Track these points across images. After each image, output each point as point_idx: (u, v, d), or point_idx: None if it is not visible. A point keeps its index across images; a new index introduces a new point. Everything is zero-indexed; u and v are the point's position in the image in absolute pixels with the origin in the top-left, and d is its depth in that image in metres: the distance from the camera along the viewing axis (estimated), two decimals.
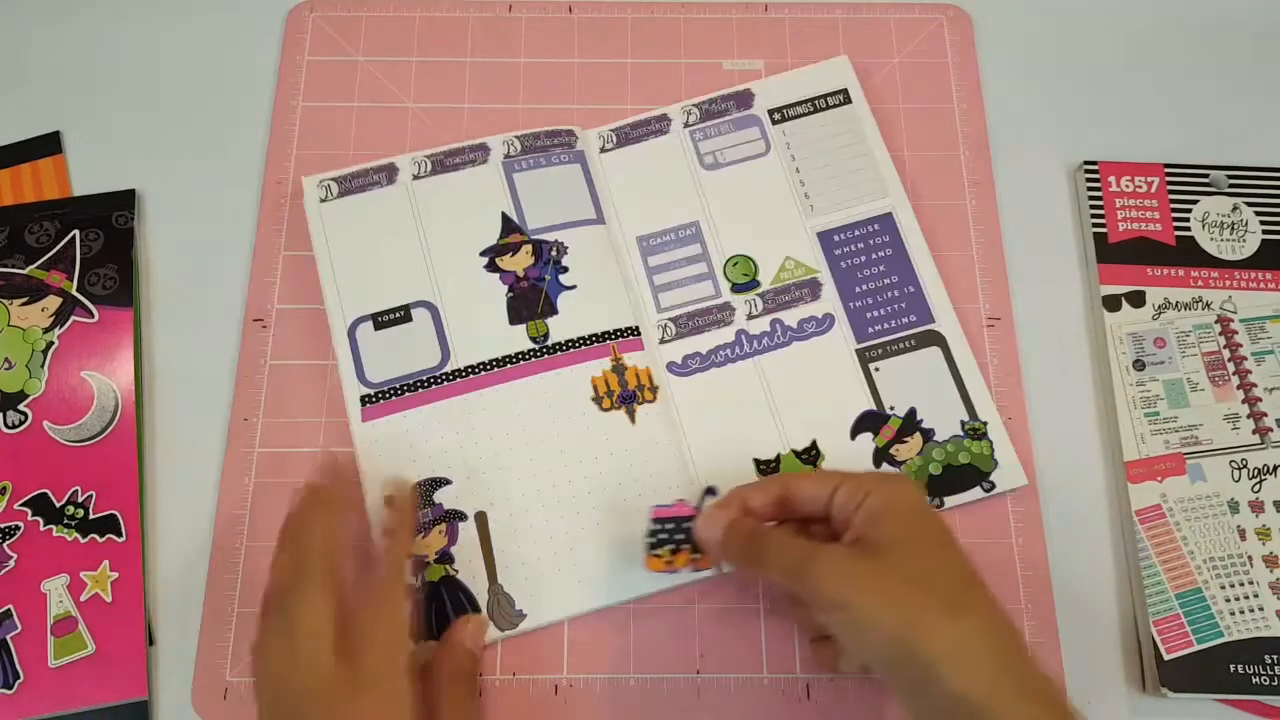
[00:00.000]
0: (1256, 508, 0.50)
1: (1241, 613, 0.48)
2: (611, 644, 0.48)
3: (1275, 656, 0.47)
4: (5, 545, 0.49)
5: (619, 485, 0.49)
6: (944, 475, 0.50)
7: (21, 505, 0.50)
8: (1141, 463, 0.51)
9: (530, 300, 0.53)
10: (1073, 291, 0.55)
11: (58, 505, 0.50)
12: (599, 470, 0.50)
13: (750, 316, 0.53)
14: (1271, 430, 0.51)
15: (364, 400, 0.51)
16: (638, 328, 0.53)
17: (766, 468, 0.50)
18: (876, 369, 0.52)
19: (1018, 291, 0.55)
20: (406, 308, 0.53)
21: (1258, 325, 0.53)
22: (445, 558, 0.49)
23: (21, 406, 0.51)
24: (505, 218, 0.54)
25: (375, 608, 0.42)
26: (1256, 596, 0.48)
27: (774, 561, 0.43)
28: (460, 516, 0.49)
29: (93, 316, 0.53)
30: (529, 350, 0.52)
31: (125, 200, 0.56)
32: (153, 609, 0.49)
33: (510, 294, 0.53)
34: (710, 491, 0.47)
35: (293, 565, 0.41)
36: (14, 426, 0.51)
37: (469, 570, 0.49)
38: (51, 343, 0.53)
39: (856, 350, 0.53)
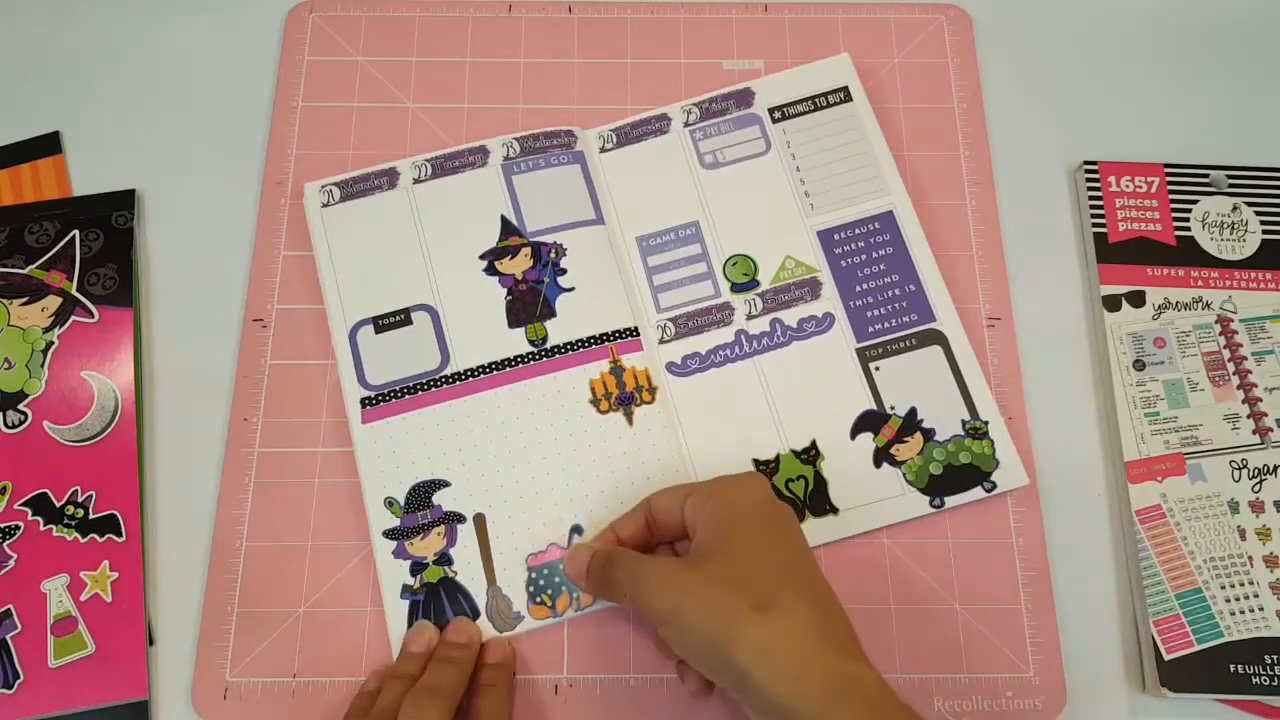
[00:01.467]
0: (1256, 508, 0.50)
1: (1242, 613, 0.48)
2: (611, 644, 0.48)
3: (1275, 657, 0.47)
4: (5, 545, 0.49)
5: (616, 488, 0.49)
6: (945, 475, 0.50)
7: (21, 505, 0.50)
8: (1141, 463, 0.51)
9: (529, 303, 0.53)
10: (1073, 291, 0.55)
11: (58, 505, 0.50)
12: (597, 473, 0.50)
13: (750, 316, 0.53)
14: (1271, 430, 0.51)
15: (364, 402, 0.51)
16: (637, 328, 0.53)
17: (766, 468, 0.50)
18: (877, 368, 0.52)
19: (1018, 291, 0.55)
20: (407, 311, 0.53)
21: (1258, 325, 0.53)
22: (444, 559, 0.49)
23: (21, 406, 0.51)
24: (504, 220, 0.54)
25: None
26: (1256, 597, 0.48)
27: (616, 582, 0.43)
28: (459, 519, 0.49)
29: (93, 316, 0.53)
30: (527, 354, 0.52)
31: (125, 200, 0.56)
32: (153, 609, 0.49)
33: (509, 297, 0.53)
34: (576, 530, 0.48)
35: (416, 695, 0.42)
36: (14, 426, 0.51)
37: (468, 572, 0.49)
38: (51, 343, 0.53)
39: (857, 349, 0.53)
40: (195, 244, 0.56)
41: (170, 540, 0.50)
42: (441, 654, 0.46)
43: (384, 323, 0.52)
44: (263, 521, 0.50)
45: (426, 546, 0.49)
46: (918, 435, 0.51)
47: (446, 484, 0.50)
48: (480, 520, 0.49)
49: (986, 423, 0.51)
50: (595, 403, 0.51)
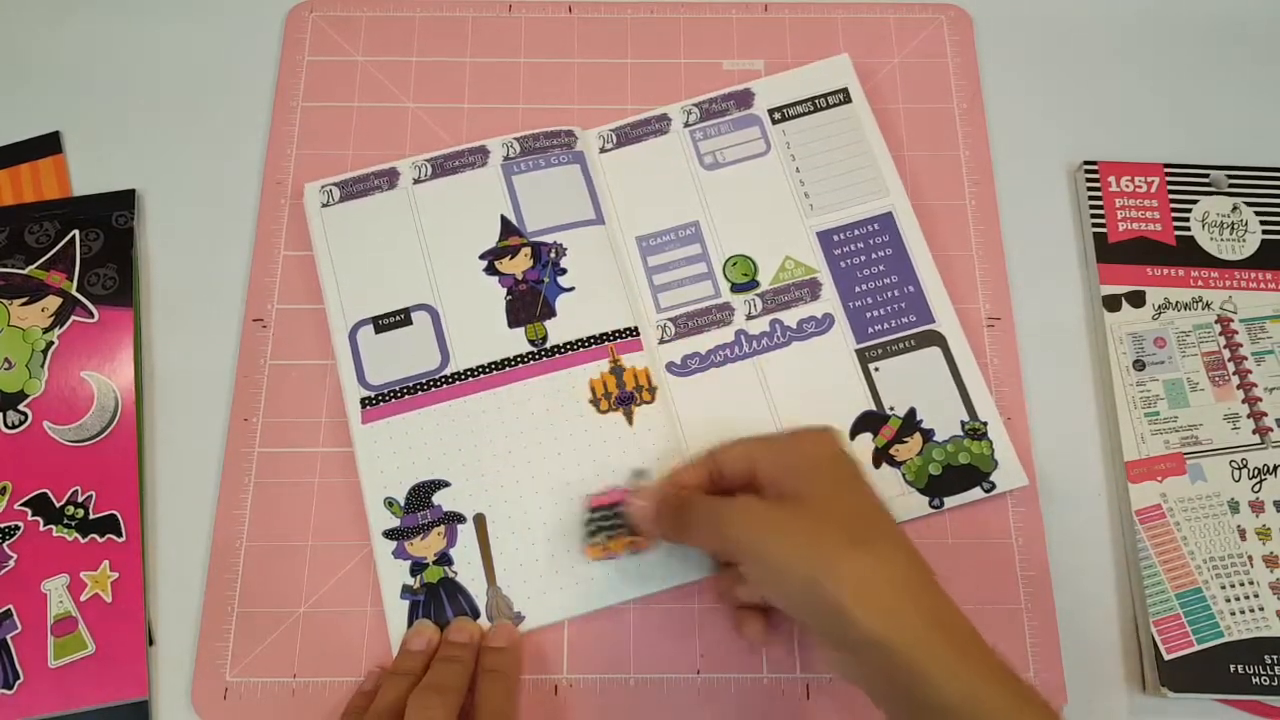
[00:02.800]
0: (1257, 508, 0.50)
1: (1242, 613, 0.48)
2: (611, 644, 0.48)
3: (1275, 657, 0.47)
4: (5, 545, 0.49)
5: (617, 487, 0.49)
6: (944, 475, 0.50)
7: (21, 505, 0.50)
8: (1142, 462, 0.51)
9: (529, 303, 0.53)
10: (1073, 291, 0.55)
11: (58, 505, 0.50)
12: (597, 473, 0.50)
13: (750, 316, 0.53)
14: (1271, 430, 0.51)
15: (364, 402, 0.51)
16: (637, 328, 0.53)
17: None
18: (876, 369, 0.52)
19: (1018, 291, 0.55)
20: (407, 311, 0.53)
21: (1258, 325, 0.53)
22: (444, 559, 0.49)
23: (21, 406, 0.51)
24: (504, 220, 0.54)
25: None
26: (1257, 596, 0.48)
27: (695, 523, 0.43)
28: (459, 519, 0.49)
29: (93, 316, 0.53)
30: (527, 354, 0.52)
31: (125, 200, 0.56)
32: (153, 609, 0.49)
33: (509, 297, 0.53)
34: (640, 474, 0.48)
35: (420, 695, 0.42)
36: (14, 426, 0.51)
37: (468, 572, 0.49)
38: (51, 343, 0.53)
39: (856, 350, 0.53)
40: (195, 244, 0.56)
41: (170, 540, 0.50)
42: (444, 653, 0.46)
43: (384, 323, 0.52)
44: (263, 521, 0.50)
45: (426, 547, 0.49)
46: (917, 436, 0.51)
47: (446, 484, 0.50)
48: (480, 520, 0.49)
49: (985, 423, 0.51)
50: (595, 402, 0.51)
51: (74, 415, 0.51)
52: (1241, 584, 0.48)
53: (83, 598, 0.48)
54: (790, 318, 0.53)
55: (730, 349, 0.53)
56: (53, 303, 0.53)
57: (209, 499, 0.51)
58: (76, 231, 0.55)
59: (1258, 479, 0.50)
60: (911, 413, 0.51)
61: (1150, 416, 0.51)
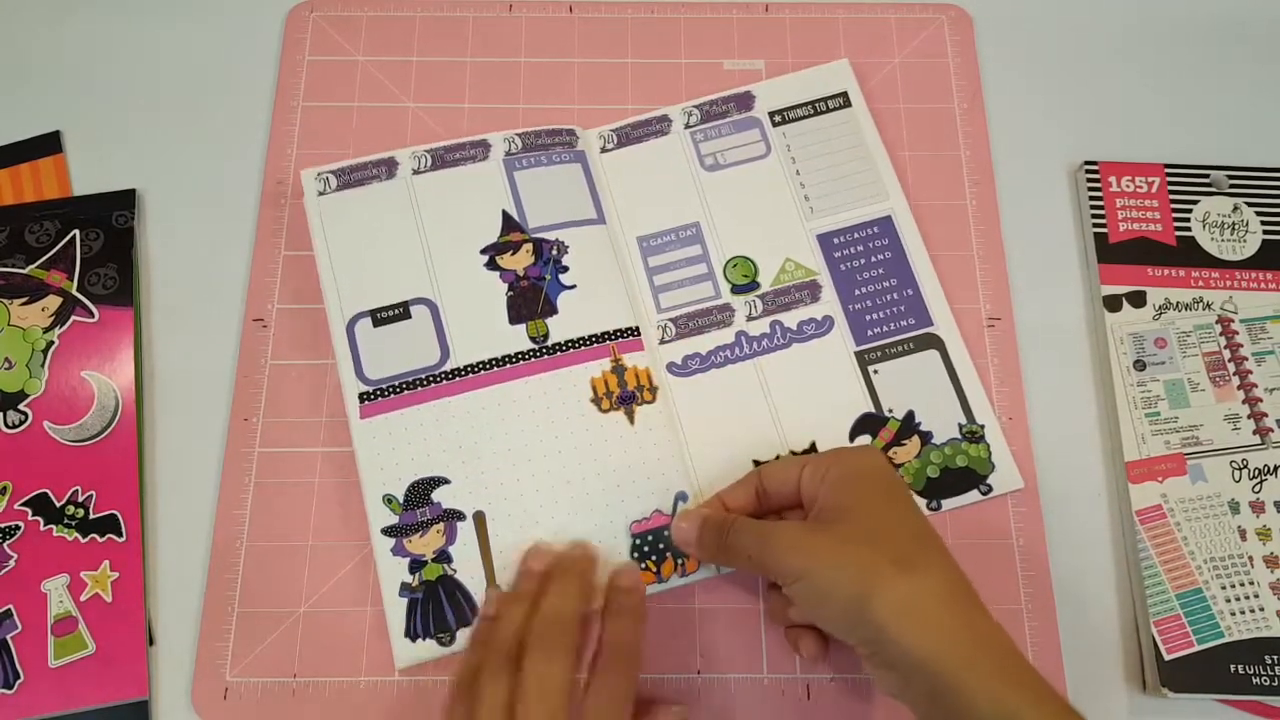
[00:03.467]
0: (1257, 508, 0.50)
1: (1242, 613, 0.48)
2: None
3: (1275, 657, 0.47)
4: (5, 545, 0.49)
5: (618, 486, 0.49)
6: (941, 478, 0.50)
7: (21, 505, 0.50)
8: (1142, 463, 0.51)
9: (530, 300, 0.53)
10: (1073, 291, 0.55)
11: (58, 505, 0.50)
12: (597, 471, 0.50)
13: (750, 318, 0.53)
14: (1272, 431, 0.51)
15: (362, 397, 0.51)
16: (638, 328, 0.53)
17: None
18: (875, 371, 0.52)
19: (1018, 291, 0.55)
20: (406, 304, 0.52)
21: (1258, 325, 0.53)
22: (443, 557, 0.49)
23: (21, 406, 0.51)
24: (506, 215, 0.54)
25: (608, 699, 0.41)
26: (1257, 597, 0.48)
27: (740, 547, 0.43)
28: (459, 516, 0.49)
29: (93, 316, 0.53)
30: (529, 350, 0.52)
31: (125, 200, 0.56)
32: (153, 609, 0.49)
33: (510, 293, 0.53)
34: (681, 497, 0.48)
35: (541, 628, 0.42)
36: (14, 426, 0.51)
37: (467, 570, 0.49)
38: (51, 342, 0.53)
39: (855, 352, 0.53)
40: (195, 244, 0.56)
41: (170, 540, 0.50)
42: (562, 579, 0.45)
43: (382, 316, 0.52)
44: (263, 521, 0.50)
45: (425, 544, 0.49)
46: (915, 438, 0.51)
47: (446, 481, 0.50)
48: (480, 518, 0.49)
49: (983, 426, 0.51)
50: (596, 401, 0.51)
51: (74, 415, 0.51)
52: (1242, 584, 0.48)
53: (83, 598, 0.48)
54: (790, 319, 0.53)
55: (731, 350, 0.53)
56: (53, 302, 0.53)
57: (209, 499, 0.51)
58: (77, 231, 0.55)
59: (1258, 479, 0.50)
60: (910, 415, 0.51)
61: (1151, 417, 0.51)
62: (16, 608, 0.48)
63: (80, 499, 0.50)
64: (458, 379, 0.51)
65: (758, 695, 0.48)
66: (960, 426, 0.51)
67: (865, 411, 0.52)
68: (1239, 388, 0.52)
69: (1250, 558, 0.49)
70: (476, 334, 0.52)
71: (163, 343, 0.54)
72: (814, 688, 0.48)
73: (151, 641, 0.48)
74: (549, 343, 0.52)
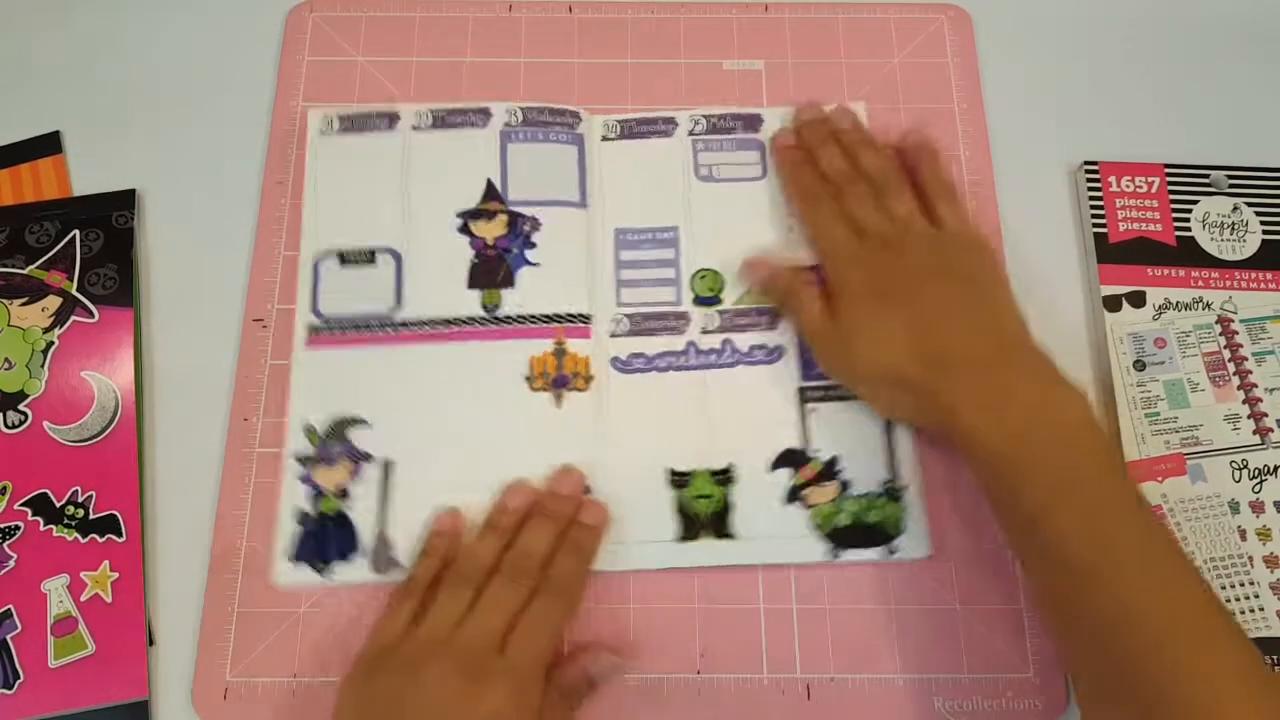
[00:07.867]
0: (1257, 508, 0.50)
1: (1242, 613, 0.48)
2: (612, 644, 0.48)
3: (1275, 657, 0.47)
4: (5, 545, 0.49)
5: (525, 467, 0.50)
6: (850, 528, 0.49)
7: (21, 505, 0.50)
8: (1142, 463, 0.51)
9: (492, 269, 0.53)
10: (1073, 291, 0.55)
11: (58, 505, 0.50)
12: (510, 447, 0.50)
13: (705, 331, 0.53)
14: (1272, 431, 0.51)
15: (311, 329, 0.52)
16: (589, 315, 0.53)
17: (679, 479, 0.50)
18: (813, 409, 0.51)
19: (1018, 291, 0.54)
20: (373, 251, 0.54)
21: (1258, 326, 0.53)
22: (343, 494, 0.49)
23: (21, 406, 0.51)
24: (489, 184, 0.55)
25: (543, 622, 0.44)
26: (1257, 597, 0.48)
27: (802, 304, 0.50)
28: (367, 458, 0.50)
29: (93, 316, 0.53)
30: (478, 317, 0.53)
31: (125, 200, 0.56)
32: (153, 609, 0.49)
33: (475, 259, 0.54)
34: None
35: (512, 560, 0.46)
36: (14, 426, 0.51)
37: (362, 511, 0.49)
38: (51, 343, 0.53)
39: (799, 388, 0.52)
40: (195, 244, 0.56)
41: (170, 540, 0.50)
42: (539, 517, 0.48)
43: (349, 258, 0.54)
44: (263, 521, 0.50)
45: (330, 477, 0.50)
46: (835, 483, 0.50)
47: (366, 424, 0.51)
48: (387, 466, 0.50)
49: (905, 487, 0.50)
50: (530, 379, 0.51)
51: (74, 415, 0.51)
52: (1242, 584, 0.48)
53: (83, 598, 0.48)
54: (743, 341, 0.53)
55: (677, 357, 0.53)
56: (53, 303, 0.53)
57: (209, 499, 0.51)
58: (76, 231, 0.55)
59: (1258, 480, 0.50)
60: (834, 460, 0.51)
61: (1151, 417, 0.51)
62: (16, 608, 0.48)
63: (80, 499, 0.50)
64: (402, 330, 0.52)
65: (758, 695, 0.48)
66: (883, 482, 0.50)
67: (792, 446, 0.51)
68: (1239, 388, 0.52)
69: (1250, 558, 0.49)
70: (432, 292, 0.53)
71: (163, 343, 0.54)
72: (814, 688, 0.48)
73: (151, 641, 0.48)
74: (499, 313, 0.53)
